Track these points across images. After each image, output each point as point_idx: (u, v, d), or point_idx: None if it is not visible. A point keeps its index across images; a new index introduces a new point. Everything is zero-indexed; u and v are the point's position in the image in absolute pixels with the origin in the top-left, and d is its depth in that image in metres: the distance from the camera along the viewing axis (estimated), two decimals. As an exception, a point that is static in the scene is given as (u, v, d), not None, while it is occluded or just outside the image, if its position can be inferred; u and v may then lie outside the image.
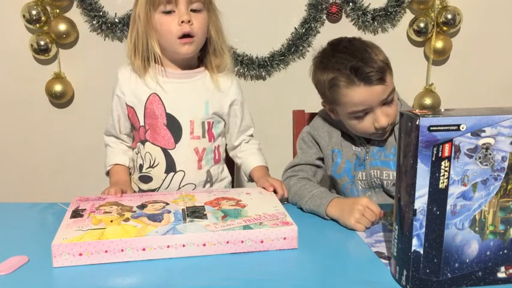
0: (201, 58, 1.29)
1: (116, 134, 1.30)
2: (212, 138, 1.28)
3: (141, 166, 1.28)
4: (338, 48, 1.16)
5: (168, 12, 1.17)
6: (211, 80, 1.27)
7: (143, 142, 1.26)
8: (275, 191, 1.16)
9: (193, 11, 1.19)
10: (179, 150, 1.25)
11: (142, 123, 1.25)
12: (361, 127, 1.17)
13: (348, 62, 1.10)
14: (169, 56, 1.24)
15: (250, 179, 1.33)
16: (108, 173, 1.32)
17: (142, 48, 1.21)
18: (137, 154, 1.29)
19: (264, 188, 1.17)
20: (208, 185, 1.30)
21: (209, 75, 1.27)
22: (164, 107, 1.23)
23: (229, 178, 1.38)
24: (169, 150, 1.24)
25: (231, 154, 1.38)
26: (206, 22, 1.21)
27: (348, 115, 1.17)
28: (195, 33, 1.18)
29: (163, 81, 1.23)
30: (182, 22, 1.16)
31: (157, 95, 1.23)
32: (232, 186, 1.42)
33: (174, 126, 1.24)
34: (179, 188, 1.27)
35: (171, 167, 1.25)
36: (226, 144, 1.37)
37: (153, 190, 1.28)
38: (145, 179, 1.28)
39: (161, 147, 1.24)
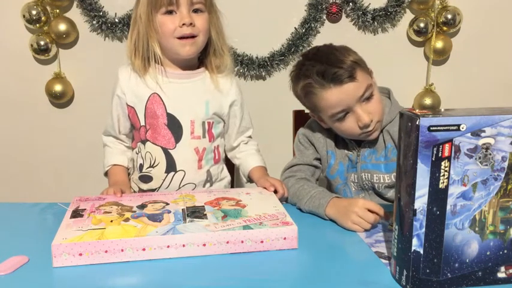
0: (202, 59, 1.29)
1: (114, 134, 1.30)
2: (212, 138, 1.28)
3: (141, 166, 1.28)
4: (307, 57, 1.17)
5: (170, 13, 1.17)
6: (212, 81, 1.27)
7: (144, 142, 1.26)
8: (275, 191, 1.16)
9: (195, 11, 1.19)
10: (179, 150, 1.25)
11: (142, 123, 1.25)
12: (346, 129, 1.16)
13: (314, 68, 1.12)
14: (170, 56, 1.23)
15: (249, 180, 1.33)
16: (106, 174, 1.32)
17: (142, 49, 1.21)
18: (137, 154, 1.29)
19: (265, 188, 1.17)
20: (208, 184, 1.30)
21: (209, 76, 1.27)
22: (165, 106, 1.23)
23: (228, 178, 1.38)
24: (169, 150, 1.25)
25: (229, 155, 1.38)
26: (208, 23, 1.21)
27: (331, 119, 1.17)
28: (197, 34, 1.18)
29: (163, 81, 1.23)
30: (183, 24, 1.16)
31: (158, 95, 1.22)
32: (232, 186, 1.42)
33: (174, 126, 1.24)
34: (179, 188, 1.27)
35: (171, 166, 1.25)
36: (225, 145, 1.37)
37: (153, 190, 1.28)
38: (146, 178, 1.28)
39: (161, 147, 1.24)
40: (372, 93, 1.14)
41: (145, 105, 1.23)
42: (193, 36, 1.18)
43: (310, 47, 1.25)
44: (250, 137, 1.37)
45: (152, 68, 1.23)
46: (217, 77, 1.27)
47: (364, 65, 1.15)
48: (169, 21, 1.17)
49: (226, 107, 1.29)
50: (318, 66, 1.11)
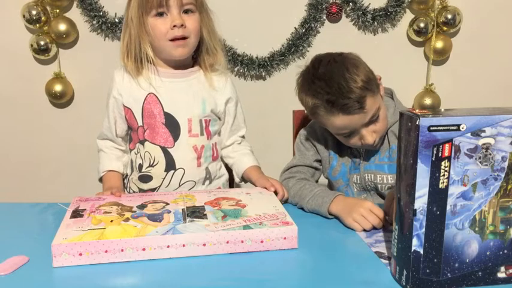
0: (195, 57, 1.29)
1: (111, 137, 1.30)
2: (209, 135, 1.29)
3: (140, 166, 1.28)
4: (317, 72, 1.13)
5: (160, 15, 1.17)
6: (206, 79, 1.28)
7: (142, 142, 1.26)
8: (275, 193, 1.16)
9: (185, 12, 1.19)
10: (178, 148, 1.25)
11: (140, 124, 1.25)
12: (349, 143, 1.18)
13: (325, 94, 1.09)
14: (163, 57, 1.24)
15: (242, 179, 1.33)
16: (101, 179, 1.32)
17: (135, 51, 1.21)
18: (136, 154, 1.29)
19: (265, 188, 1.18)
20: (207, 181, 1.31)
21: (204, 74, 1.28)
22: (162, 106, 1.23)
23: (226, 175, 1.38)
24: (168, 149, 1.25)
25: (222, 153, 1.38)
26: (199, 23, 1.21)
27: (335, 134, 1.19)
28: (188, 35, 1.19)
29: (159, 81, 1.24)
30: (174, 26, 1.16)
31: (154, 94, 1.23)
32: (230, 183, 1.42)
33: (172, 125, 1.24)
34: (179, 186, 1.27)
35: (170, 165, 1.25)
36: None
37: (154, 189, 1.28)
38: (146, 178, 1.28)
39: (160, 146, 1.25)
40: (378, 114, 1.14)
41: (142, 106, 1.24)
42: (185, 38, 1.18)
43: (319, 53, 1.19)
44: (243, 137, 1.38)
45: (146, 69, 1.24)
46: (211, 75, 1.28)
47: (373, 84, 1.12)
48: (160, 23, 1.17)
49: (222, 104, 1.30)
50: (328, 96, 1.09)
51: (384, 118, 1.16)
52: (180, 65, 1.26)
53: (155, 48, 1.22)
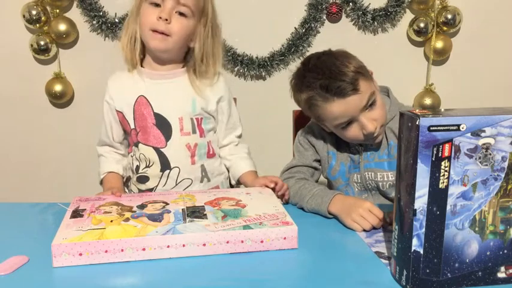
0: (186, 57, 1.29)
1: (109, 142, 1.31)
2: (203, 133, 1.29)
3: (137, 167, 1.29)
4: (308, 67, 1.16)
5: (156, 5, 1.17)
6: (196, 80, 1.26)
7: (136, 144, 1.27)
8: (273, 189, 1.16)
9: (180, 13, 1.18)
10: (171, 147, 1.25)
11: (133, 126, 1.26)
12: (350, 136, 1.17)
13: (317, 81, 1.10)
14: (153, 54, 1.24)
15: (238, 183, 1.34)
16: (101, 182, 1.32)
17: (135, 42, 1.23)
18: (132, 157, 1.30)
19: (266, 186, 1.18)
20: (205, 179, 1.30)
21: (194, 76, 1.27)
22: (151, 107, 1.24)
23: (226, 173, 1.38)
24: (161, 149, 1.25)
25: (220, 153, 1.37)
26: (188, 29, 1.19)
27: (335, 128, 1.17)
28: (170, 34, 1.18)
29: (149, 83, 1.25)
30: (160, 18, 1.16)
31: (144, 97, 1.24)
32: (230, 182, 1.42)
33: (163, 125, 1.25)
34: (176, 185, 1.27)
35: (165, 165, 1.26)
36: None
37: (151, 189, 1.28)
38: (143, 179, 1.28)
39: (153, 147, 1.25)
40: (374, 99, 1.14)
41: (133, 108, 1.25)
42: (165, 34, 1.17)
43: (309, 54, 1.22)
44: (239, 136, 1.37)
45: (137, 72, 1.25)
46: (200, 80, 1.27)
47: (365, 71, 1.14)
48: (150, 12, 1.17)
49: (213, 103, 1.29)
50: (321, 80, 1.10)
51: (382, 105, 1.16)
52: (167, 60, 1.25)
53: (143, 40, 1.22)
